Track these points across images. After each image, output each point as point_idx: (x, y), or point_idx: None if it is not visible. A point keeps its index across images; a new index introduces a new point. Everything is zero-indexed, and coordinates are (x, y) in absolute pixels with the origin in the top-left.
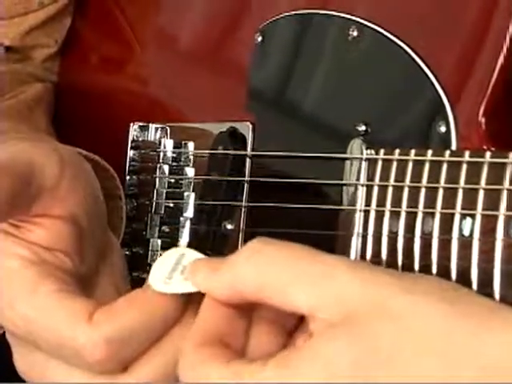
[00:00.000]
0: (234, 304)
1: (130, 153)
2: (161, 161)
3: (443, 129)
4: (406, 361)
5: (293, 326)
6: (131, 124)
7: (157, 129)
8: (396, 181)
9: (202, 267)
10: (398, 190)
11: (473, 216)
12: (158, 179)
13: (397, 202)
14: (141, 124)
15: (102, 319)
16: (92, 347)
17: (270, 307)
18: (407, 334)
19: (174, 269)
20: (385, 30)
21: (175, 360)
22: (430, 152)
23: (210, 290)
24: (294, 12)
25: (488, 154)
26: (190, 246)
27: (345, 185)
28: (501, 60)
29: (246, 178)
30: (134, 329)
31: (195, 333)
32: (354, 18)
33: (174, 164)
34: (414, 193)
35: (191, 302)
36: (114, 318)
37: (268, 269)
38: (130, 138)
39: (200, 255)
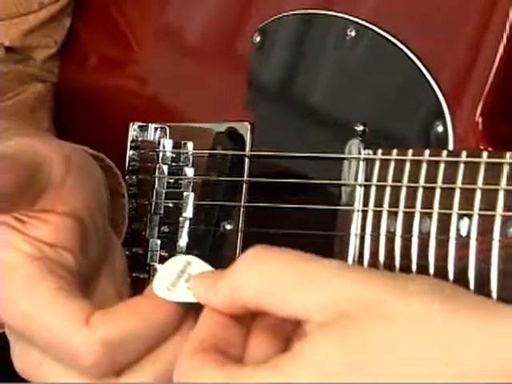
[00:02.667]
0: (234, 314)
1: (130, 153)
2: (160, 161)
3: (440, 129)
4: (398, 360)
5: (290, 332)
6: (130, 124)
7: (156, 129)
8: (394, 181)
9: (204, 280)
10: (395, 190)
11: (470, 216)
12: (157, 179)
13: (394, 201)
14: (140, 124)
15: (100, 322)
16: (87, 349)
17: (268, 314)
18: (399, 334)
19: (180, 276)
20: (382, 29)
21: (169, 369)
22: (427, 152)
23: (209, 302)
24: (292, 12)
25: (485, 154)
26: (189, 246)
27: (343, 185)
28: (497, 61)
29: (245, 178)
30: (131, 335)
31: (192, 341)
32: (352, 18)
33: (174, 164)
34: (412, 193)
35: (191, 312)
36: (111, 322)
37: (265, 276)
38: (130, 138)
39: (206, 265)
